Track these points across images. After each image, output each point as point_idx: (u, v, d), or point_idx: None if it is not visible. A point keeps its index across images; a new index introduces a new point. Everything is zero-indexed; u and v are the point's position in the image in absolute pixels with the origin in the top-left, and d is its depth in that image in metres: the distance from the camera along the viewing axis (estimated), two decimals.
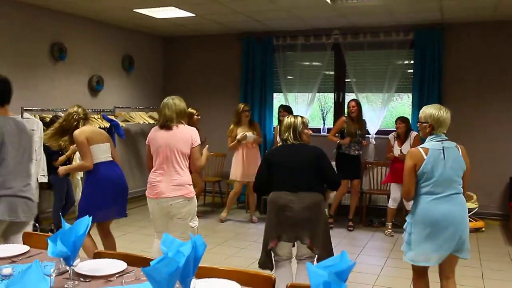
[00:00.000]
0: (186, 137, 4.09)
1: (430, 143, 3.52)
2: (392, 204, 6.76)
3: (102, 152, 4.41)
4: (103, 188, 4.37)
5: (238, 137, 6.99)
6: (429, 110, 3.54)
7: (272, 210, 3.82)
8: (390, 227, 6.79)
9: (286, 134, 3.96)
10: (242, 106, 7.22)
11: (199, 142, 4.17)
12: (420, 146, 3.55)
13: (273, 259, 3.93)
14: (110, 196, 4.40)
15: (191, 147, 4.10)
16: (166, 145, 4.07)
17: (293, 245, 3.94)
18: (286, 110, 7.18)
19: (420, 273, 3.65)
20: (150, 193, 4.19)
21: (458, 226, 3.43)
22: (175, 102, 4.14)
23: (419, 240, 3.49)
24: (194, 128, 4.24)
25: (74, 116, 4.42)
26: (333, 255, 3.76)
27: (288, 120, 4.00)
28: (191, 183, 4.18)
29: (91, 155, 4.33)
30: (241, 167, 7.12)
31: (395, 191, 6.69)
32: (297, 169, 3.79)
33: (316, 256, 3.83)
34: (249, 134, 7.02)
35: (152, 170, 4.21)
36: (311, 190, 3.76)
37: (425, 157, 3.45)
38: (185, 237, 3.88)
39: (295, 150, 3.90)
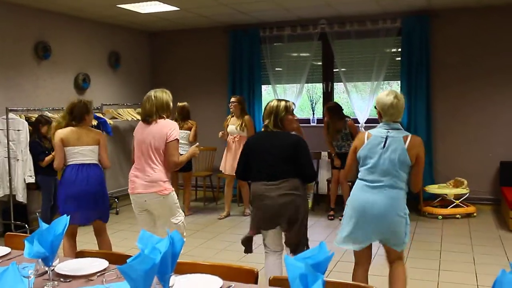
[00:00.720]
0: (162, 131, 3.93)
1: (376, 129, 3.45)
2: None
3: (75, 155, 4.30)
4: (62, 190, 4.33)
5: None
6: (379, 96, 3.45)
7: (253, 201, 3.80)
8: None
9: (267, 120, 3.78)
10: (231, 97, 7.22)
11: (176, 137, 3.97)
12: (369, 130, 3.49)
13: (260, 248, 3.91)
14: (69, 199, 4.28)
15: (166, 142, 3.93)
16: (143, 140, 3.99)
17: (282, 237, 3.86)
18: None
19: (358, 259, 3.59)
20: (129, 188, 4.13)
21: (380, 220, 3.32)
22: (156, 95, 4.02)
23: (345, 221, 3.48)
24: (174, 122, 4.09)
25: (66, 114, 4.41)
26: (306, 246, 3.70)
27: (271, 104, 3.81)
28: (165, 179, 3.99)
29: (61, 156, 4.30)
30: (224, 159, 7.13)
31: None
32: (272, 158, 3.67)
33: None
34: (231, 127, 6.98)
35: (133, 165, 4.15)
36: (287, 178, 3.64)
37: (366, 141, 3.42)
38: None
39: (272, 138, 3.74)
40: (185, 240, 4.21)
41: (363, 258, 3.58)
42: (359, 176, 3.47)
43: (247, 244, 3.87)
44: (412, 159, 3.33)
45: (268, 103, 3.87)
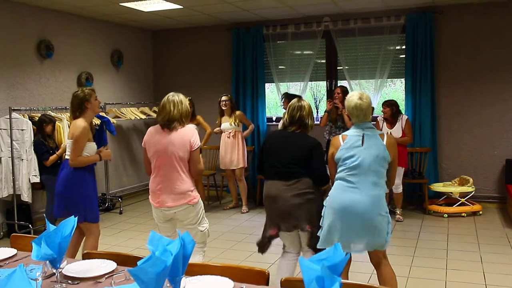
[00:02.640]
0: (185, 139, 3.74)
1: (350, 131, 3.46)
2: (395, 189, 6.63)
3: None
4: None
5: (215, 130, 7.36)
6: (345, 100, 3.47)
7: (266, 201, 3.77)
8: (399, 212, 6.68)
9: (289, 120, 3.73)
10: (220, 96, 7.33)
11: (199, 144, 3.83)
12: (343, 133, 3.51)
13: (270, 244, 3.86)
14: None
15: (190, 151, 3.75)
16: (163, 149, 3.73)
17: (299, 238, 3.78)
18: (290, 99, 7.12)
19: None
20: (153, 201, 3.88)
21: (363, 219, 3.30)
22: (181, 100, 3.76)
23: (327, 224, 3.43)
24: (194, 129, 3.90)
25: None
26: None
27: (296, 104, 3.73)
28: (192, 188, 3.82)
29: None
30: (223, 155, 7.39)
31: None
32: (287, 159, 3.64)
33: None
34: (225, 124, 7.22)
35: (152, 176, 3.87)
36: (300, 178, 3.61)
37: (341, 143, 3.41)
38: (197, 239, 3.79)
39: (290, 139, 3.71)
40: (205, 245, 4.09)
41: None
42: (337, 176, 3.44)
43: (264, 246, 3.82)
44: (392, 157, 3.38)
45: (292, 103, 3.78)
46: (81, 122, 4.11)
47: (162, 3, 6.76)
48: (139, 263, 1.70)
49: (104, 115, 7.38)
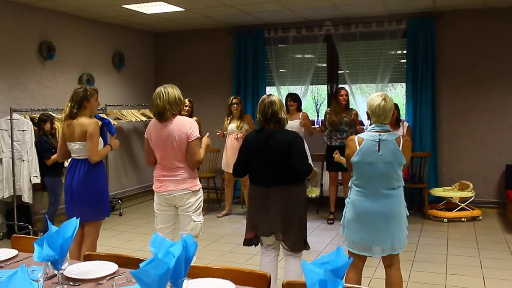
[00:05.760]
0: (182, 131, 3.84)
1: (367, 133, 3.41)
2: None
3: (71, 151, 4.25)
4: None
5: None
6: (368, 99, 3.45)
7: (250, 204, 3.82)
8: None
9: (263, 118, 3.67)
10: (231, 98, 7.20)
11: (197, 135, 3.92)
12: (359, 135, 3.45)
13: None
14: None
15: (187, 141, 3.85)
16: (164, 140, 3.87)
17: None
18: (294, 99, 7.09)
19: (354, 260, 3.45)
20: (155, 187, 4.03)
21: (385, 221, 3.35)
22: (167, 90, 3.87)
23: (348, 223, 3.46)
24: (192, 120, 4.02)
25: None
26: (306, 246, 3.73)
27: (267, 100, 3.67)
28: (195, 175, 3.99)
29: (60, 149, 4.35)
30: (225, 158, 7.22)
31: None
32: (270, 162, 3.62)
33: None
34: (233, 126, 7.05)
35: (157, 164, 4.03)
36: (286, 183, 3.61)
37: (357, 147, 3.36)
38: (188, 230, 3.89)
39: (269, 138, 3.64)
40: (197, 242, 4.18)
41: (360, 261, 3.53)
42: (355, 182, 3.45)
43: (247, 242, 3.86)
44: (407, 160, 3.37)
45: (262, 103, 3.72)
46: (89, 119, 4.18)
47: (164, 5, 6.77)
48: (141, 265, 1.70)
49: (105, 116, 7.37)
